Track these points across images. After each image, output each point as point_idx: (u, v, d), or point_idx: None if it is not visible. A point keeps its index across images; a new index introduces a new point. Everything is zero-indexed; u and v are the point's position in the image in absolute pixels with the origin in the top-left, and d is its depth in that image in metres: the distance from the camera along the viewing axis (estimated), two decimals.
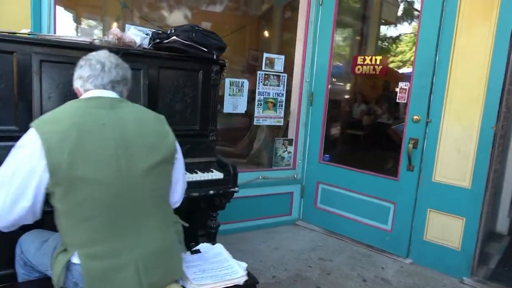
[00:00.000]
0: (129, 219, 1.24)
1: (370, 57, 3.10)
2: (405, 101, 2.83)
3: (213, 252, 1.67)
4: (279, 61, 3.24)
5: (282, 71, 3.28)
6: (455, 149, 2.63)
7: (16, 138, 1.25)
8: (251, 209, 3.27)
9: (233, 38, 5.15)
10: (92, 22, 4.68)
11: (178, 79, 2.18)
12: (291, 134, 3.48)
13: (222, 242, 2.96)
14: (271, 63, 3.21)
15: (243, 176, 3.18)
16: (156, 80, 2.10)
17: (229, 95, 3.06)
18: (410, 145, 2.75)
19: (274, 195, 3.40)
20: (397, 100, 2.87)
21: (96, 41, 1.91)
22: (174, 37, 2.09)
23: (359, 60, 3.16)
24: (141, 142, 1.26)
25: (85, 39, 1.89)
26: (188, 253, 1.65)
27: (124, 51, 1.96)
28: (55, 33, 2.28)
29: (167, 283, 1.34)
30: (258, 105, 3.22)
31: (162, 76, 2.13)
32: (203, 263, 1.56)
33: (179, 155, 1.43)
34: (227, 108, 3.09)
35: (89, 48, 1.87)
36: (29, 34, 1.82)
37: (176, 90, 2.19)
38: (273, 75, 3.24)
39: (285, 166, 3.47)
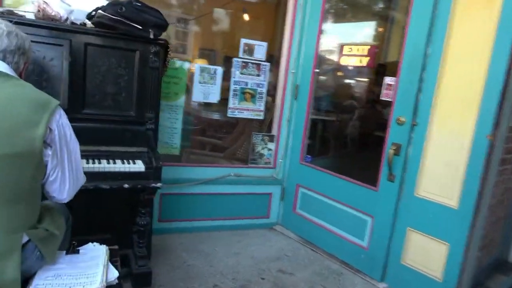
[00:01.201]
0: None
1: (358, 47, 2.69)
2: (390, 99, 2.40)
3: (91, 255, 1.45)
4: (260, 48, 2.93)
5: (263, 59, 2.96)
6: (443, 160, 2.18)
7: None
8: (223, 208, 3.03)
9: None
10: None
11: (109, 59, 1.98)
12: (274, 130, 3.17)
13: (182, 239, 2.80)
14: (250, 50, 2.91)
15: (213, 172, 2.94)
16: (82, 58, 1.91)
17: (200, 82, 2.82)
18: (392, 151, 2.34)
19: (250, 195, 3.12)
20: (381, 98, 2.45)
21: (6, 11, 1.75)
22: (100, 11, 1.89)
23: (346, 49, 2.76)
24: None
25: None
26: (63, 252, 1.44)
27: (43, 24, 1.81)
28: None
29: None
30: (233, 95, 2.94)
31: (90, 54, 1.94)
32: (66, 266, 1.35)
33: (54, 153, 1.21)
34: (197, 96, 2.85)
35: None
36: None
37: (107, 71, 1.99)
38: (252, 63, 2.94)
39: (264, 164, 3.17)
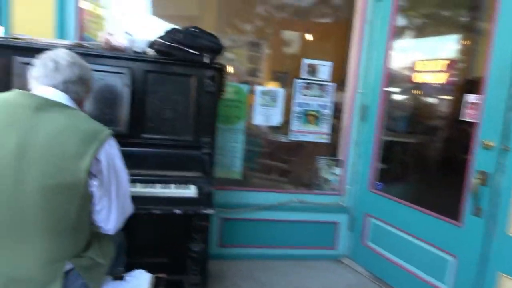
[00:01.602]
0: (8, 233, 1.11)
1: (435, 62, 2.40)
2: (474, 120, 2.07)
3: (134, 283, 1.42)
4: (324, 68, 2.79)
5: (328, 80, 2.81)
6: None
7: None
8: (284, 236, 2.88)
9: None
10: None
11: (167, 85, 2.02)
12: (341, 154, 2.96)
13: (240, 266, 2.71)
14: (313, 70, 2.79)
15: (275, 197, 2.83)
16: (142, 85, 1.97)
17: (261, 105, 2.76)
18: (477, 181, 1.99)
19: (314, 223, 2.92)
20: (462, 118, 2.12)
21: (78, 44, 1.89)
22: (158, 39, 1.94)
23: (420, 66, 2.48)
24: (41, 158, 1.09)
25: (67, 42, 1.89)
26: (109, 277, 1.44)
27: (105, 54, 1.92)
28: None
29: None
30: (296, 118, 2.83)
31: (150, 81, 1.99)
32: None
33: (100, 184, 1.21)
34: (258, 119, 2.79)
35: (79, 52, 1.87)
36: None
37: (165, 96, 2.02)
38: (316, 84, 2.80)
39: (330, 190, 2.96)
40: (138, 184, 1.82)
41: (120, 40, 1.97)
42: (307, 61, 2.78)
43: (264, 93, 2.76)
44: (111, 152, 1.23)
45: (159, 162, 1.98)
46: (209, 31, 2.02)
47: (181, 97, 2.04)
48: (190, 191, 1.83)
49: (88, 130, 1.19)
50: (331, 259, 2.97)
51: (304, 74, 2.79)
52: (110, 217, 1.29)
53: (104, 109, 1.92)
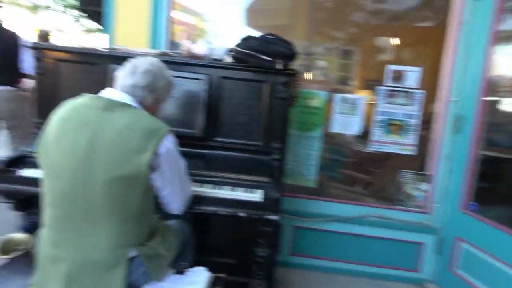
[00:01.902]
0: (80, 221, 1.26)
1: None
2: None
3: (193, 279, 1.48)
4: (412, 75, 2.58)
5: (415, 87, 2.59)
6: None
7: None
8: (360, 251, 2.72)
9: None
10: None
11: (241, 90, 2.08)
12: (429, 168, 2.69)
13: (308, 277, 2.61)
14: (399, 76, 2.59)
15: (351, 209, 2.70)
16: (218, 90, 2.07)
17: (339, 113, 2.67)
18: None
19: (394, 241, 2.70)
20: None
21: (163, 52, 2.06)
22: (234, 47, 2.01)
23: None
24: (107, 152, 1.23)
25: (154, 51, 2.08)
26: (172, 271, 1.52)
27: (185, 62, 2.05)
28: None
29: None
30: (377, 127, 2.66)
31: (225, 87, 2.08)
32: (168, 285, 1.41)
33: (161, 175, 1.34)
34: (336, 127, 2.70)
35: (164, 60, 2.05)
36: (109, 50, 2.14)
37: (239, 102, 2.09)
38: (402, 91, 2.60)
39: (414, 207, 2.71)
40: (207, 185, 1.90)
41: (200, 48, 2.09)
42: (392, 67, 2.60)
43: (343, 100, 2.66)
44: (169, 147, 1.34)
45: (230, 165, 2.04)
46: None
47: (253, 102, 2.08)
48: (256, 195, 1.85)
49: (149, 127, 1.30)
50: (411, 283, 2.71)
51: (388, 81, 2.61)
52: (174, 199, 1.47)
53: (184, 113, 2.05)
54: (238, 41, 2.06)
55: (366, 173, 3.24)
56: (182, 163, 1.47)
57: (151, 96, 1.43)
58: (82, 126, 1.26)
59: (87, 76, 2.08)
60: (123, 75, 1.40)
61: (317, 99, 2.67)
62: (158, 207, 1.52)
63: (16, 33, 3.12)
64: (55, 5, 11.49)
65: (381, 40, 4.91)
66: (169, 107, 2.04)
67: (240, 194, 1.85)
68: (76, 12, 10.68)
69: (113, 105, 1.31)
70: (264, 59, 1.96)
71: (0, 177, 1.76)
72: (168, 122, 1.97)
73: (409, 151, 2.67)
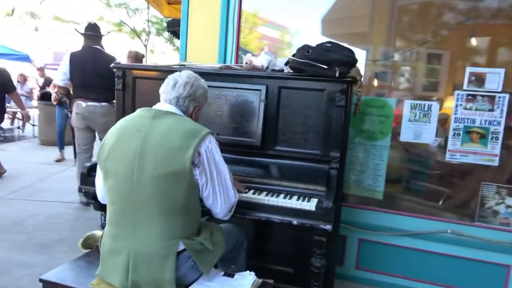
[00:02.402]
0: (134, 216, 1.42)
1: None
2: None
3: (239, 282, 1.53)
4: (494, 77, 2.32)
5: (499, 90, 2.32)
6: None
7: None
8: (433, 270, 2.51)
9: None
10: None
11: (299, 100, 2.10)
12: None
13: None
14: (478, 80, 2.35)
15: (423, 224, 2.51)
16: (276, 100, 2.12)
17: (410, 120, 2.51)
18: None
19: (474, 262, 2.44)
20: None
21: (223, 67, 2.19)
22: (291, 57, 2.04)
23: None
24: (155, 152, 1.38)
25: (217, 65, 2.21)
26: (221, 272, 1.60)
27: (242, 74, 2.15)
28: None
29: None
30: (454, 135, 2.44)
31: (283, 96, 2.12)
32: (216, 285, 1.49)
33: (203, 172, 1.45)
34: (406, 136, 2.54)
35: (217, 73, 2.18)
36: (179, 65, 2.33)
37: (297, 111, 2.11)
38: (483, 96, 2.35)
39: (499, 225, 2.41)
40: (263, 193, 1.95)
41: (261, 60, 2.17)
42: (471, 69, 2.38)
43: (414, 106, 2.50)
44: (210, 147, 1.45)
45: (287, 174, 2.06)
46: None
47: (311, 111, 2.08)
48: (309, 204, 1.84)
49: (191, 129, 1.44)
50: None
51: (466, 84, 2.39)
52: (216, 202, 1.53)
53: (242, 122, 2.14)
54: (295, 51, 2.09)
55: (445, 185, 2.96)
56: (225, 167, 1.55)
57: (192, 105, 1.58)
58: (135, 133, 1.43)
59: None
60: (166, 89, 1.57)
61: (385, 106, 2.55)
62: (209, 212, 1.62)
63: (114, 57, 3.59)
64: (151, 28, 12.74)
65: (473, 41, 4.47)
66: (230, 117, 2.16)
67: (294, 202, 1.86)
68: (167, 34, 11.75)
69: (160, 114, 1.48)
70: (321, 67, 1.96)
71: (84, 180, 2.04)
72: (228, 132, 2.14)
73: (492, 162, 2.39)
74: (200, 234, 1.52)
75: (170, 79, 1.58)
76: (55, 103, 4.32)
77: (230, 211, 1.63)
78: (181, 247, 1.45)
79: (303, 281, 2.17)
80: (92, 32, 3.75)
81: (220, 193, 1.53)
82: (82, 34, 3.77)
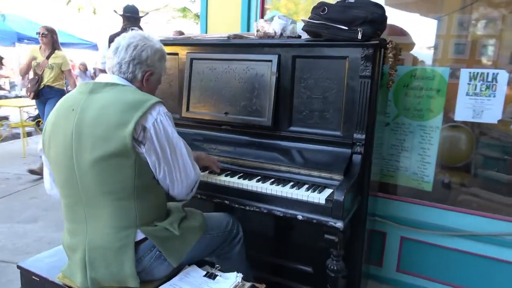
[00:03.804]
0: (84, 208, 1.25)
1: None
2: None
3: (216, 286, 1.29)
4: None
5: None
6: None
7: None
8: (494, 279, 2.02)
9: None
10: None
11: (316, 71, 1.75)
12: None
13: None
14: None
15: (483, 223, 2.03)
16: (289, 72, 1.80)
17: (467, 95, 2.00)
18: None
19: None
20: None
21: (231, 36, 1.91)
22: (303, 18, 1.70)
23: None
24: (91, 133, 1.19)
25: (224, 35, 1.94)
26: (203, 272, 1.37)
27: (251, 43, 1.86)
28: None
29: (113, 285, 1.25)
30: None
31: (298, 67, 1.79)
32: (187, 286, 1.27)
33: (151, 150, 1.22)
34: (462, 114, 2.04)
35: (227, 43, 1.92)
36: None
37: (315, 84, 1.77)
38: None
39: None
40: (268, 181, 1.67)
41: (273, 26, 1.85)
42: None
43: (473, 77, 1.98)
44: (159, 119, 1.22)
45: (300, 159, 1.75)
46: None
47: (332, 84, 1.73)
48: (318, 196, 1.52)
49: (132, 101, 1.21)
50: None
51: None
52: (174, 182, 1.30)
53: (253, 100, 1.86)
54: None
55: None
56: (180, 141, 1.30)
57: (140, 70, 1.32)
58: (70, 113, 1.23)
59: (171, 64, 2.10)
60: (108, 56, 1.33)
61: (436, 77, 2.07)
62: None
63: None
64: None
65: None
66: (236, 93, 1.89)
67: (300, 193, 1.55)
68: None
69: (99, 87, 1.26)
70: (340, 28, 1.59)
71: None
72: (237, 111, 1.89)
73: None
74: (167, 219, 1.33)
75: (113, 43, 1.33)
76: None
77: (192, 191, 1.40)
78: (140, 236, 1.25)
79: (322, 283, 1.87)
80: (130, 14, 3.71)
81: (177, 171, 1.29)
82: (121, 15, 3.74)
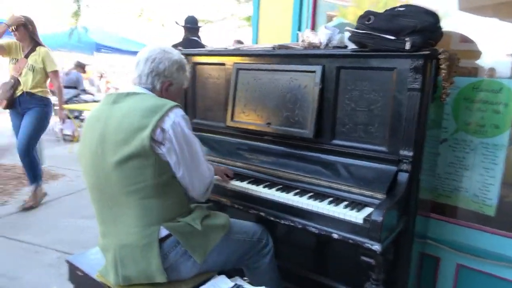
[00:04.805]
0: (112, 209, 1.33)
1: None
2: None
3: None
4: None
5: None
6: None
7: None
8: None
9: None
10: None
11: (362, 82, 1.67)
12: None
13: None
14: None
15: None
16: (333, 83, 1.74)
17: None
18: None
19: None
20: None
21: (276, 46, 1.90)
22: (348, 28, 1.63)
23: None
24: (113, 138, 1.28)
25: (269, 45, 1.93)
26: (229, 281, 1.37)
27: (294, 53, 1.84)
28: None
29: (143, 282, 1.30)
30: None
31: (342, 78, 1.72)
32: None
33: (172, 150, 1.29)
34: None
35: (272, 54, 1.91)
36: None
37: (359, 96, 1.69)
38: None
39: None
40: (306, 195, 1.63)
41: (319, 36, 1.81)
42: None
43: None
44: (177, 121, 1.30)
45: (341, 174, 1.67)
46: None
47: (378, 96, 1.64)
48: (355, 215, 1.44)
49: (151, 106, 1.28)
50: None
51: None
52: (192, 182, 1.37)
53: (295, 111, 1.83)
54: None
55: None
56: (196, 142, 1.38)
57: (158, 81, 1.41)
58: (95, 123, 1.34)
59: (219, 74, 2.15)
60: (132, 69, 1.44)
61: (503, 90, 1.86)
62: None
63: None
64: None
65: None
66: (279, 104, 1.87)
67: (337, 210, 1.49)
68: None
69: (121, 97, 1.36)
70: (386, 38, 1.50)
71: None
72: (279, 122, 1.87)
73: None
74: (190, 215, 1.38)
75: (135, 58, 1.45)
76: None
77: (207, 191, 1.46)
78: (164, 232, 1.31)
79: None
80: (190, 25, 3.88)
81: (194, 170, 1.36)
82: (182, 26, 3.93)
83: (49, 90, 3.54)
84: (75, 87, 7.12)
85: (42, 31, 3.67)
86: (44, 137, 5.29)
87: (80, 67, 7.85)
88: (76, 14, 5.95)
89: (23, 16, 3.28)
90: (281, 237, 1.94)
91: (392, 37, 1.49)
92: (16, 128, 3.41)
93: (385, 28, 1.50)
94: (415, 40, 1.46)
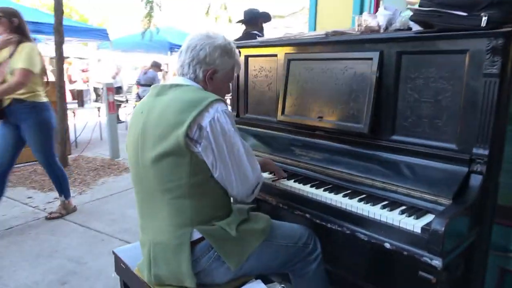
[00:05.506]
0: (147, 203, 1.31)
1: None
2: None
3: None
4: None
5: None
6: None
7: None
8: None
9: None
10: None
11: (427, 68, 1.45)
12: None
13: None
14: None
15: None
16: (393, 71, 1.53)
17: None
18: None
19: None
20: None
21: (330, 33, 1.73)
22: (410, 7, 1.41)
23: None
24: (153, 133, 1.24)
25: (320, 33, 1.77)
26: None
27: (347, 39, 1.66)
28: None
29: (173, 284, 1.26)
30: None
31: (404, 65, 1.51)
32: None
33: (208, 149, 1.20)
34: None
35: (324, 41, 1.76)
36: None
37: (424, 84, 1.46)
38: None
39: None
40: (356, 197, 1.46)
41: (377, 19, 1.61)
42: None
43: None
44: (217, 117, 1.21)
45: (400, 174, 1.47)
46: None
47: (447, 84, 1.40)
48: (413, 223, 1.24)
49: (190, 100, 1.22)
50: None
51: None
52: (232, 183, 1.27)
53: (350, 103, 1.66)
54: None
55: None
56: (237, 140, 1.26)
57: (200, 69, 1.31)
58: (139, 115, 1.30)
59: (271, 66, 2.06)
60: (176, 61, 1.37)
61: None
62: None
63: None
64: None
65: None
66: (332, 96, 1.71)
67: (392, 216, 1.30)
68: None
69: (165, 89, 1.30)
70: (457, 15, 1.27)
71: None
72: (333, 115, 1.72)
73: None
74: (225, 219, 1.29)
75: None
76: None
77: (253, 193, 1.32)
78: (197, 235, 1.24)
79: None
80: (248, 17, 3.81)
81: (235, 171, 1.24)
82: (238, 22, 3.90)
83: (42, 94, 2.88)
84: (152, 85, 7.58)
85: (117, 35, 3.85)
86: (120, 131, 5.74)
87: (156, 66, 8.35)
88: (149, 15, 6.27)
89: (8, 9, 2.75)
90: (334, 241, 1.78)
91: (464, 13, 1.25)
92: (3, 139, 2.83)
93: (454, 3, 1.27)
94: (492, 15, 1.20)
